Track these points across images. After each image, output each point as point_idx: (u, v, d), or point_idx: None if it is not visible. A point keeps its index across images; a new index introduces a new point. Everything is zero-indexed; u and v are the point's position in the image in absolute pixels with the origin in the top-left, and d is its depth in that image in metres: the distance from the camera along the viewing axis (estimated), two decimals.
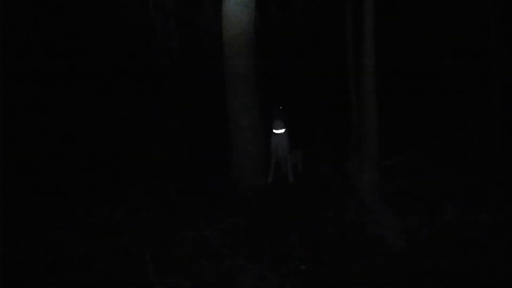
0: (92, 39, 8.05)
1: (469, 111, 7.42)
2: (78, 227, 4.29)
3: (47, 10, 7.61)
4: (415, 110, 8.42)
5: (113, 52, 8.33)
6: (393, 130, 7.13)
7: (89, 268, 3.51)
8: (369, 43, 5.08)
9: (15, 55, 6.79)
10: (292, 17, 9.24)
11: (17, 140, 6.07)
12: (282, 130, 5.70)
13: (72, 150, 6.56)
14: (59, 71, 7.60)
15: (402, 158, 6.06)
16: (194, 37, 8.39)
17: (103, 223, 4.38)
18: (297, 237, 3.97)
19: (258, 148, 5.44)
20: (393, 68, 9.05)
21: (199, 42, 8.54)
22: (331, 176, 5.77)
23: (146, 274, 3.32)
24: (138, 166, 6.25)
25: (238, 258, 3.55)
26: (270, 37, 9.19)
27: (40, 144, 6.37)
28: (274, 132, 5.71)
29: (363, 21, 5.08)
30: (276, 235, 4.03)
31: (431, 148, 6.40)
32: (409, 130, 7.54)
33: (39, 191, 5.13)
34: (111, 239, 3.98)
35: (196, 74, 8.49)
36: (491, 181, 5.12)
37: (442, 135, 6.93)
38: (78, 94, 7.73)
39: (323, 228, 4.17)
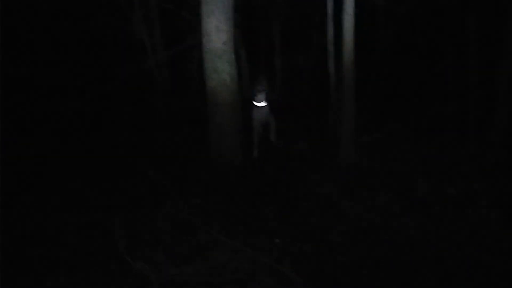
0: (65, 10, 7.86)
1: (446, 91, 7.54)
2: (53, 203, 4.25)
3: None
4: (393, 88, 8.50)
5: (87, 23, 8.14)
6: (371, 108, 7.21)
7: (62, 242, 3.49)
8: (349, 15, 5.09)
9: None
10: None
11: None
12: (265, 104, 5.76)
13: (46, 128, 6.48)
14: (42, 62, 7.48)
15: (378, 135, 6.15)
16: (173, 10, 8.22)
17: (78, 199, 4.34)
18: (272, 211, 4.01)
19: (235, 124, 5.42)
20: (374, 47, 9.11)
21: (178, 15, 8.38)
22: (308, 152, 5.82)
23: (120, 248, 3.32)
24: (114, 143, 6.19)
25: (213, 232, 3.57)
26: (251, 13, 9.09)
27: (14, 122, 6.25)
28: (256, 105, 5.74)
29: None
30: (252, 210, 4.06)
31: (406, 125, 6.51)
32: (386, 107, 7.64)
33: (17, 170, 5.05)
34: (85, 215, 3.95)
35: (174, 49, 8.38)
36: (462, 158, 5.25)
37: (418, 113, 7.04)
38: (59, 81, 7.62)
39: (298, 202, 4.22)
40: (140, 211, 4.00)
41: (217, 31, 5.19)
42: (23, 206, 4.20)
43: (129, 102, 8.05)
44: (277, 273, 3.02)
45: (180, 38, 8.54)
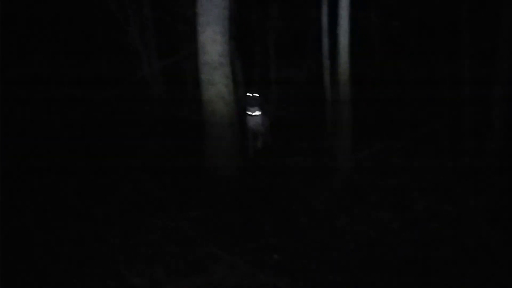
0: (60, 19, 7.85)
1: (441, 105, 7.60)
2: (48, 215, 4.17)
3: None
4: (389, 104, 8.55)
5: (83, 35, 8.14)
6: (367, 123, 7.23)
7: (57, 256, 3.41)
8: (344, 31, 5.11)
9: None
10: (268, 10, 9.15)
11: None
12: (258, 113, 6.14)
13: (41, 138, 6.41)
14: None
15: (374, 150, 6.15)
16: (168, 21, 8.22)
17: (73, 212, 4.26)
18: (270, 226, 3.97)
19: (232, 136, 5.39)
20: (369, 63, 9.19)
21: (173, 26, 8.38)
22: (305, 166, 5.80)
23: (116, 263, 3.25)
24: (110, 154, 6.11)
25: (210, 247, 3.52)
26: (246, 25, 9.13)
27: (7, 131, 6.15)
28: (249, 114, 6.15)
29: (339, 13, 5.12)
30: (250, 225, 4.02)
31: (402, 141, 6.52)
32: (383, 123, 7.66)
33: (11, 181, 4.96)
34: (81, 228, 3.88)
35: (170, 59, 8.37)
36: (458, 174, 5.25)
37: (414, 128, 7.07)
38: (52, 79, 7.58)
39: (296, 217, 4.18)
40: (137, 223, 3.94)
41: (213, 42, 5.18)
42: (16, 217, 4.11)
43: (124, 111, 8.01)
44: None
45: (175, 48, 8.54)
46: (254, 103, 6.07)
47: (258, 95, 6.11)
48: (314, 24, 8.10)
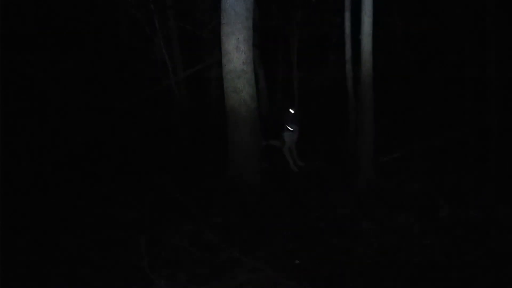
0: (90, 30, 8.08)
1: (465, 110, 7.47)
2: (75, 220, 4.31)
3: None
4: (412, 108, 8.45)
5: (111, 45, 8.35)
6: (390, 128, 7.17)
7: (86, 260, 3.53)
8: (367, 36, 5.11)
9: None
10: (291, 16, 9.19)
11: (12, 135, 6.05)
12: (296, 128, 6.25)
13: (68, 144, 6.57)
14: (53, 61, 7.66)
15: (397, 155, 6.09)
16: (192, 30, 8.37)
17: (100, 217, 4.39)
18: (293, 232, 3.99)
19: (255, 143, 5.45)
20: (391, 67, 9.11)
21: (198, 35, 8.52)
22: (326, 172, 5.81)
23: (142, 267, 3.34)
24: (135, 161, 6.25)
25: (233, 252, 3.57)
26: (269, 33, 9.20)
27: (37, 139, 6.37)
28: (289, 129, 6.21)
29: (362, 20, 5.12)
30: (272, 230, 4.06)
31: (426, 146, 6.44)
32: (405, 127, 7.58)
33: (38, 186, 5.13)
34: (108, 232, 3.99)
35: (194, 68, 8.50)
36: (484, 179, 5.16)
37: (438, 133, 6.97)
38: (72, 85, 7.76)
39: (318, 223, 4.20)
40: (161, 229, 4.04)
41: (236, 51, 5.27)
42: (43, 222, 4.25)
43: (148, 118, 8.16)
44: None
45: (199, 57, 8.67)
46: (294, 120, 6.14)
47: (295, 111, 6.22)
48: (336, 29, 8.12)
